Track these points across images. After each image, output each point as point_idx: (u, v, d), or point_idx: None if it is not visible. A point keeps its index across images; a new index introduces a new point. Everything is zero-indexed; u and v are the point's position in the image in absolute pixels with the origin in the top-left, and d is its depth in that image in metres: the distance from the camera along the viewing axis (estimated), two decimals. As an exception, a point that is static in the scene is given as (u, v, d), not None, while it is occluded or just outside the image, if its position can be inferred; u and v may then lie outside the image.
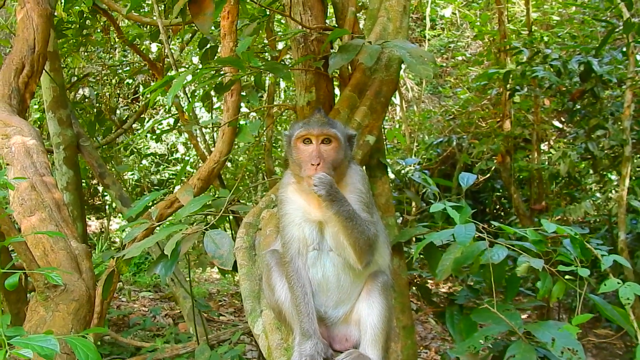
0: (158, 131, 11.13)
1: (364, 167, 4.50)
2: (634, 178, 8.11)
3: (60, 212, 3.90)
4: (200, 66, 5.29)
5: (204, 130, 6.71)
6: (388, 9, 4.68)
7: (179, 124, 8.21)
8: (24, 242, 3.22)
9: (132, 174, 13.56)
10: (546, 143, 10.85)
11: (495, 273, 3.47)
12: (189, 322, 7.29)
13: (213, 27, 5.91)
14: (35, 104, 9.92)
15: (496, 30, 9.65)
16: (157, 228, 4.33)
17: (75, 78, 9.72)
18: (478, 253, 3.46)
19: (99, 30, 8.87)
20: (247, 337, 7.41)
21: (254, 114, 10.52)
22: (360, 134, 4.14)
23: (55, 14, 6.18)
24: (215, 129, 7.56)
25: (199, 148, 6.72)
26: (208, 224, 3.89)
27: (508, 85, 8.33)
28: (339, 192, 2.62)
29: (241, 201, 5.15)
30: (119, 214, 12.68)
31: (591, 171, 9.39)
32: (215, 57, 6.06)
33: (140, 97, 12.21)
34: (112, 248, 11.63)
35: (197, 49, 7.95)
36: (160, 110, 13.52)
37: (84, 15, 7.56)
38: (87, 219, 9.58)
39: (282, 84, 11.35)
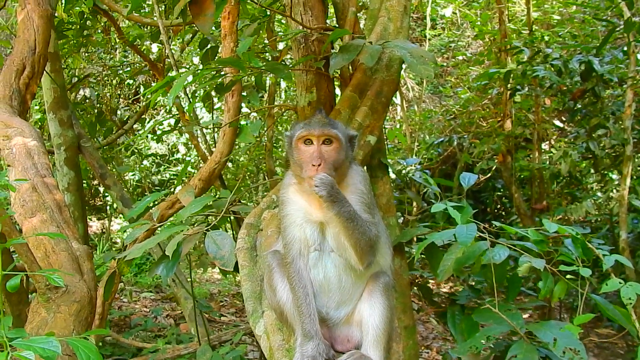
0: (159, 132, 11.13)
1: (365, 167, 4.50)
2: (635, 177, 8.11)
3: (61, 213, 3.90)
4: (201, 67, 5.29)
5: (204, 130, 6.71)
6: (389, 9, 4.68)
7: (179, 125, 8.21)
8: (25, 244, 3.22)
9: (133, 175, 13.57)
10: (547, 142, 10.85)
11: (496, 273, 3.47)
12: (190, 322, 7.30)
13: (214, 28, 5.91)
14: (36, 105, 9.92)
15: (497, 30, 9.65)
16: (159, 229, 4.33)
17: (76, 79, 9.72)
18: (479, 253, 3.45)
19: (99, 31, 8.87)
20: (249, 337, 7.41)
21: (254, 114, 10.51)
22: (361, 134, 4.14)
23: (56, 14, 6.18)
24: (216, 129, 7.57)
25: (200, 148, 6.72)
26: (209, 225, 3.88)
27: (509, 85, 8.33)
28: (340, 192, 2.62)
29: (242, 201, 5.14)
30: (120, 215, 12.69)
31: (592, 170, 9.39)
32: (216, 58, 6.06)
33: (141, 97, 12.22)
34: (114, 249, 11.66)
35: (198, 50, 7.95)
36: (161, 110, 13.53)
37: (85, 16, 7.55)
38: (88, 220, 9.59)
39: (283, 84, 11.35)
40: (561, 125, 10.42)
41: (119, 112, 11.53)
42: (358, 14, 4.94)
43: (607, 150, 8.07)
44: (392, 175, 6.61)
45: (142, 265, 10.69)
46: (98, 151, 8.07)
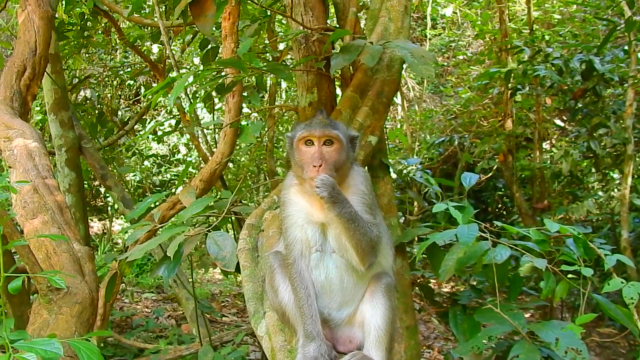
0: (160, 132, 11.14)
1: (366, 168, 4.49)
2: (636, 176, 8.11)
3: (62, 214, 3.91)
4: (201, 67, 5.28)
5: (205, 131, 6.70)
6: (389, 9, 4.67)
7: (180, 125, 8.22)
8: (27, 245, 3.22)
9: (134, 175, 13.58)
10: (548, 142, 10.85)
11: (498, 273, 3.47)
12: (191, 323, 7.30)
13: (214, 29, 5.91)
14: (36, 106, 9.92)
15: (497, 29, 9.65)
16: (160, 230, 4.33)
17: (77, 80, 9.72)
18: (481, 253, 3.45)
19: (100, 32, 8.88)
20: (250, 338, 7.41)
21: (255, 114, 10.52)
22: (362, 134, 4.13)
23: (57, 16, 6.18)
24: (217, 130, 7.56)
25: (201, 149, 6.71)
26: (210, 226, 3.88)
27: (509, 84, 8.33)
28: (341, 193, 2.62)
29: (243, 202, 5.14)
30: (121, 215, 12.70)
31: (593, 170, 9.39)
32: (217, 58, 6.05)
33: (142, 98, 12.23)
34: (115, 249, 11.66)
35: (199, 50, 7.95)
36: (161, 111, 13.54)
37: (85, 17, 7.55)
38: (89, 221, 9.59)
39: (284, 85, 11.35)
40: (562, 124, 10.41)
41: (119, 113, 11.54)
42: (358, 14, 4.94)
43: (608, 150, 8.06)
44: (393, 175, 6.61)
45: (144, 265, 10.70)
46: (99, 152, 8.08)
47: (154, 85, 9.65)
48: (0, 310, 2.73)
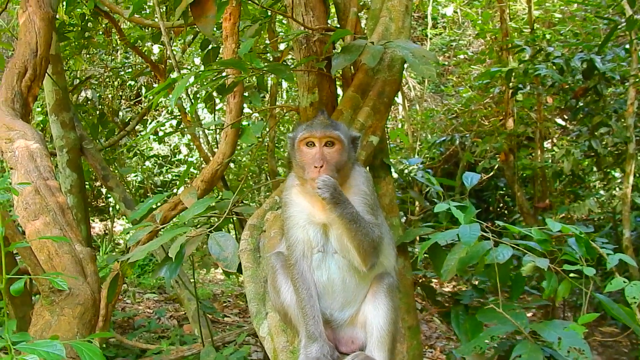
0: (161, 133, 11.14)
1: (368, 168, 4.49)
2: (638, 175, 8.09)
3: (64, 215, 3.91)
4: (202, 68, 5.28)
5: (206, 131, 6.71)
6: (390, 9, 4.67)
7: (182, 126, 8.22)
8: (29, 247, 3.23)
9: (135, 176, 13.58)
10: (549, 141, 10.83)
11: (500, 272, 3.47)
12: (193, 323, 7.30)
13: (215, 29, 5.91)
14: (37, 107, 9.94)
15: (498, 29, 9.64)
16: (162, 231, 4.33)
17: (78, 80, 9.73)
18: (483, 253, 3.44)
19: (100, 33, 8.88)
20: (252, 338, 7.41)
21: (256, 115, 10.52)
22: (363, 134, 4.13)
23: (57, 16, 6.18)
24: (218, 130, 7.56)
25: (202, 150, 6.72)
26: (212, 226, 3.88)
27: (510, 84, 8.33)
28: (343, 194, 2.61)
29: (245, 202, 5.14)
30: (123, 216, 12.71)
31: (595, 169, 9.37)
32: (218, 59, 6.06)
33: (143, 99, 12.23)
34: (116, 250, 11.66)
35: (199, 51, 7.95)
36: (162, 111, 13.54)
37: (86, 17, 7.56)
38: (90, 221, 9.59)
39: (285, 85, 11.35)
40: (563, 123, 10.40)
41: (120, 113, 11.54)
42: (359, 14, 4.93)
43: (609, 149, 8.05)
44: (395, 175, 6.61)
45: (145, 266, 10.70)
46: (100, 153, 8.08)
47: (155, 85, 9.66)
48: (2, 311, 2.73)
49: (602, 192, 9.66)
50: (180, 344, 6.90)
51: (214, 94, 6.16)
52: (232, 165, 11.06)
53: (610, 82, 7.68)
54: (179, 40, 9.12)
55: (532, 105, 9.32)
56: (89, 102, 10.28)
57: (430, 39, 14.28)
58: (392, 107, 9.76)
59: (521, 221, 9.06)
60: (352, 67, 4.59)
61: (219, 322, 8.78)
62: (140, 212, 4.37)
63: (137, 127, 10.06)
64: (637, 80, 6.97)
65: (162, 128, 11.27)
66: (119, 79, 11.27)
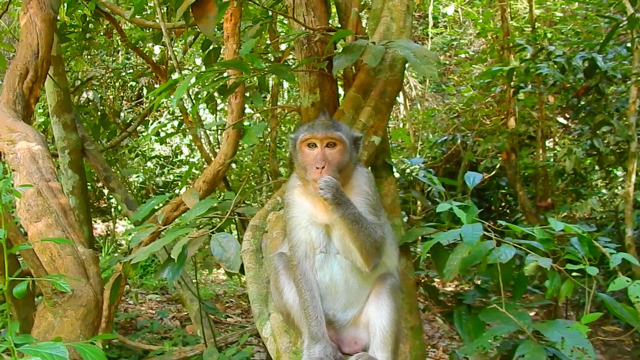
0: (162, 134, 11.14)
1: (370, 168, 4.49)
2: (640, 174, 8.08)
3: (66, 217, 3.91)
4: (203, 68, 5.28)
5: (208, 132, 6.70)
6: (391, 9, 4.67)
7: (183, 127, 8.22)
8: (31, 249, 3.23)
9: (137, 177, 13.59)
10: (551, 140, 10.82)
11: (502, 272, 3.45)
12: (196, 324, 7.30)
13: (216, 30, 5.90)
14: (39, 108, 9.95)
15: (499, 28, 9.63)
16: (164, 232, 4.33)
17: (79, 82, 9.75)
18: (485, 252, 3.44)
19: (102, 34, 8.89)
20: (255, 339, 7.41)
21: (258, 115, 10.52)
22: (365, 134, 4.13)
23: (58, 18, 6.19)
24: (219, 131, 7.56)
25: (204, 150, 6.72)
26: (214, 227, 3.88)
27: (512, 83, 8.32)
28: (345, 195, 2.61)
29: (247, 202, 5.14)
30: (125, 217, 12.71)
31: (597, 167, 9.35)
32: (219, 59, 6.06)
33: (144, 99, 12.24)
34: (119, 251, 11.67)
35: (200, 51, 7.95)
36: (164, 112, 13.55)
37: (87, 19, 7.57)
38: (93, 222, 9.60)
39: (286, 85, 11.34)
40: (565, 122, 10.38)
41: (122, 114, 11.55)
42: (360, 14, 4.93)
43: (611, 147, 8.03)
44: (396, 175, 6.61)
45: (148, 267, 10.71)
46: (102, 154, 8.09)
47: (156, 86, 9.66)
48: (5, 313, 2.74)
49: (604, 190, 9.64)
50: (183, 345, 6.90)
51: (216, 94, 6.17)
52: (233, 165, 11.06)
53: (611, 80, 7.67)
54: (180, 41, 9.12)
55: (533, 104, 9.31)
56: (90, 103, 10.29)
57: (431, 38, 14.28)
58: (394, 106, 9.77)
59: (523, 220, 9.05)
60: (353, 67, 4.59)
61: (221, 323, 8.78)
62: (143, 213, 4.37)
63: (138, 128, 10.09)
64: (639, 78, 6.96)
65: (164, 129, 11.27)
66: (120, 80, 11.29)
